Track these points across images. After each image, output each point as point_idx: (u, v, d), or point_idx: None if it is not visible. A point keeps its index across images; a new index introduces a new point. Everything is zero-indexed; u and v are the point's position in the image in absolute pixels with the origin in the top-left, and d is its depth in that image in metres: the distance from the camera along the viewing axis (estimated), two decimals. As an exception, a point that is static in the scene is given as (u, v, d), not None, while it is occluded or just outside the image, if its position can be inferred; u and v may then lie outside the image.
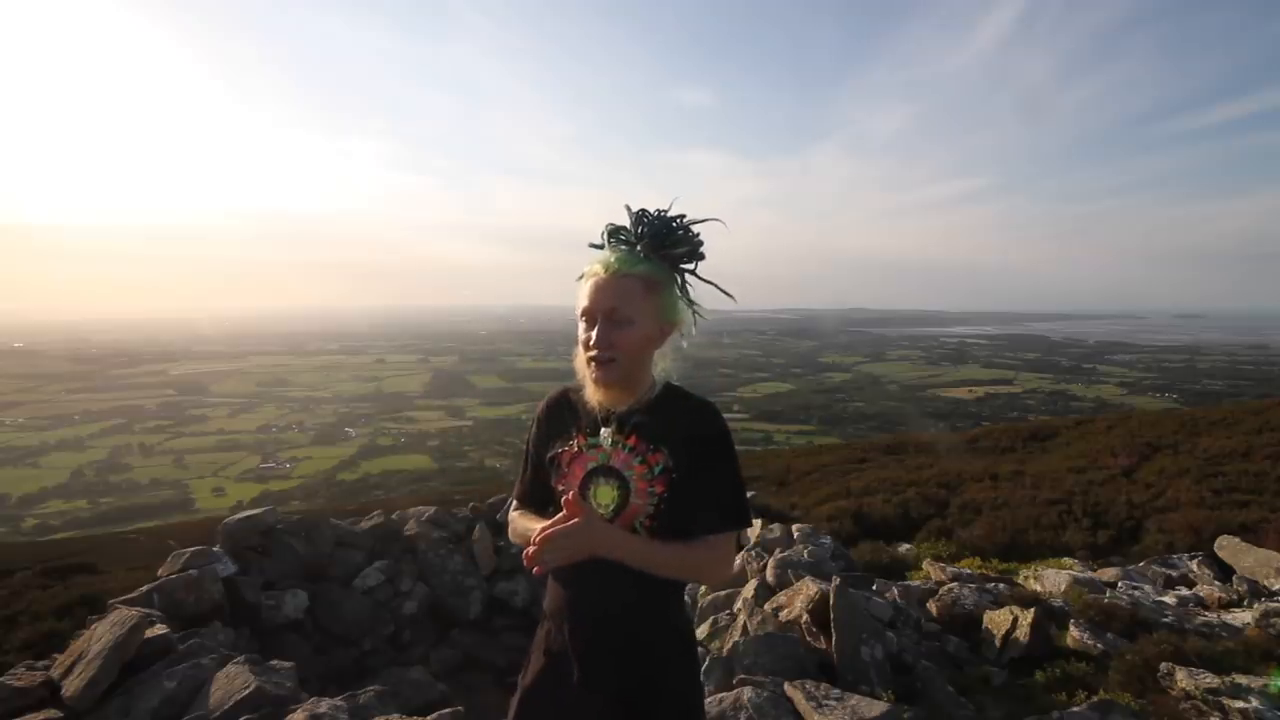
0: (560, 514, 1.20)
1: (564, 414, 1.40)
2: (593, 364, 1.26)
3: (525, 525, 1.38)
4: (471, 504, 5.81)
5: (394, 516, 5.56)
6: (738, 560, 4.27)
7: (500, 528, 5.43)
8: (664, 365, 1.35)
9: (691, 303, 1.34)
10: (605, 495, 1.29)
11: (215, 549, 4.33)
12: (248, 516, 4.69)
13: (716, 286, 1.33)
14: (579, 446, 1.34)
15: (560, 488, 1.33)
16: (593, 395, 1.30)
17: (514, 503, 1.51)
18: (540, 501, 1.43)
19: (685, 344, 1.36)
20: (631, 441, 1.29)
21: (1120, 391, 64.82)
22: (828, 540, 4.42)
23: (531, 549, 1.17)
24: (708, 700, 2.44)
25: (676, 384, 1.36)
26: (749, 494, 6.20)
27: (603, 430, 1.31)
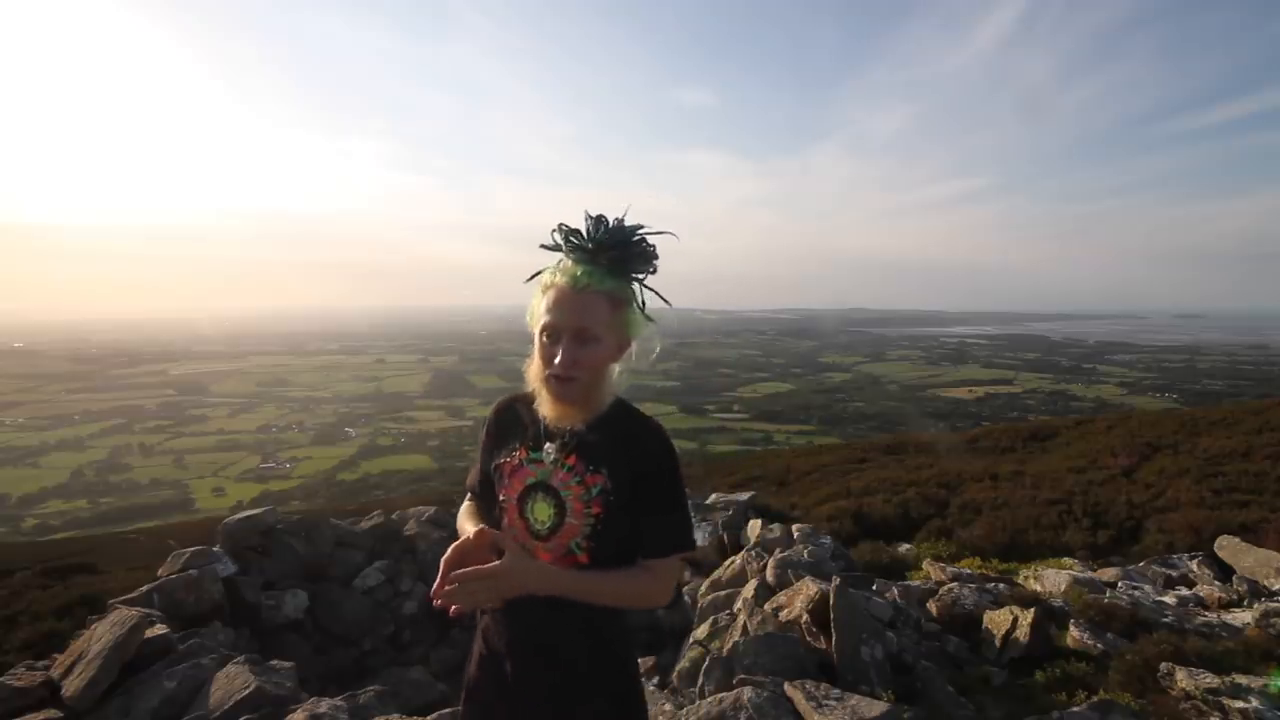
0: (467, 539, 1.15)
1: (511, 423, 1.37)
2: (552, 380, 1.21)
3: (462, 525, 1.35)
4: (471, 504, 5.82)
5: (394, 516, 5.56)
6: (738, 560, 4.27)
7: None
8: (614, 379, 1.30)
9: (649, 318, 1.29)
10: (543, 512, 1.26)
11: (215, 549, 4.33)
12: (248, 516, 4.69)
13: (656, 293, 1.29)
14: (520, 460, 1.30)
15: (502, 498, 1.31)
16: (549, 411, 1.25)
17: (468, 494, 1.47)
18: (490, 499, 1.39)
19: (636, 358, 1.31)
20: (571, 461, 1.25)
21: (1120, 391, 64.90)
22: (828, 540, 4.41)
23: (442, 585, 1.08)
24: (708, 700, 2.44)
25: (625, 400, 1.32)
26: (749, 494, 6.20)
27: (546, 445, 1.28)
